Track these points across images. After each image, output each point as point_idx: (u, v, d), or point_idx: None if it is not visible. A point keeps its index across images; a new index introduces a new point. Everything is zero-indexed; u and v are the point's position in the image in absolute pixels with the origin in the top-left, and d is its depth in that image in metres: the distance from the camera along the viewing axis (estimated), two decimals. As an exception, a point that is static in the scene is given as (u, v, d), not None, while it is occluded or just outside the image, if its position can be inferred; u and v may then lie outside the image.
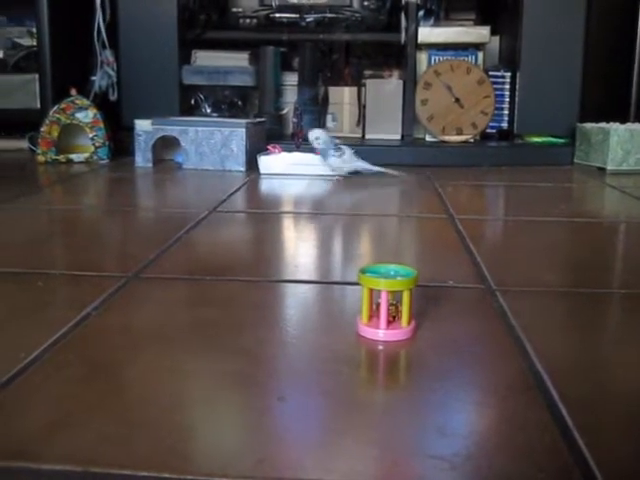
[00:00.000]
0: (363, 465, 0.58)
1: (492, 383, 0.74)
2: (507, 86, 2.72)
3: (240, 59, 2.77)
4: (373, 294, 0.87)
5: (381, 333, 0.84)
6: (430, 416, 0.66)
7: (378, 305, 0.86)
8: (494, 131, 2.75)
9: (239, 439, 0.63)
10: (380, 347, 0.83)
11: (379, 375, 0.79)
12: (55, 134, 2.42)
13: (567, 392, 0.70)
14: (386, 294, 0.84)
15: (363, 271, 0.88)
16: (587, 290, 1.08)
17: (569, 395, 0.69)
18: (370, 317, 0.87)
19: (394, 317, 0.87)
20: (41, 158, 2.42)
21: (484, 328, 0.90)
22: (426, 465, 0.58)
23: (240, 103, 2.84)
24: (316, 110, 2.74)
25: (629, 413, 0.68)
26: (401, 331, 0.85)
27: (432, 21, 2.81)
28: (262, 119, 2.58)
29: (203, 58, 2.76)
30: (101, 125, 2.46)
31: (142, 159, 2.37)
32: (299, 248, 1.38)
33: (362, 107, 2.79)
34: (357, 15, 2.72)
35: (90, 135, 2.45)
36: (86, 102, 2.47)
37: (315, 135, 2.15)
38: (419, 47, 2.70)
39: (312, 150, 2.28)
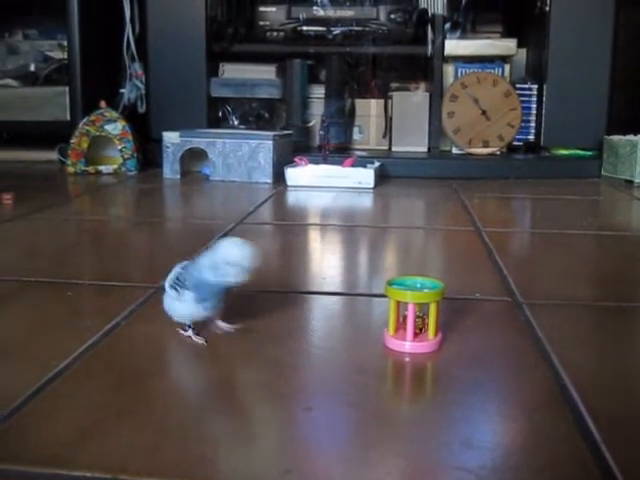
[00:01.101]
0: (390, 477, 0.58)
1: (518, 396, 0.74)
2: (534, 98, 2.71)
3: (267, 72, 2.79)
4: (400, 306, 0.87)
5: (408, 345, 0.85)
6: (456, 428, 0.66)
7: (405, 317, 0.86)
8: (521, 143, 2.74)
9: (266, 449, 0.63)
10: (407, 359, 0.84)
11: (405, 387, 0.79)
12: (84, 146, 2.45)
13: (595, 405, 0.70)
14: (413, 306, 0.85)
15: (390, 283, 0.88)
16: (614, 304, 1.07)
17: (597, 408, 0.69)
18: (397, 329, 0.87)
19: (421, 329, 0.87)
20: (70, 169, 2.45)
21: (511, 341, 0.90)
22: (452, 477, 0.58)
23: (267, 115, 2.85)
24: (343, 122, 2.75)
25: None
26: (428, 343, 0.85)
27: (458, 33, 2.81)
28: (289, 131, 2.59)
29: (230, 71, 2.78)
30: (130, 137, 2.48)
31: (170, 171, 2.39)
32: (326, 260, 1.38)
33: (389, 119, 2.80)
34: (384, 28, 2.73)
35: (119, 147, 2.48)
36: (115, 114, 2.50)
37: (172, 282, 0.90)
38: (445, 59, 2.71)
39: (339, 162, 2.29)
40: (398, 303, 0.87)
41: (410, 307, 0.85)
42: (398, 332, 0.87)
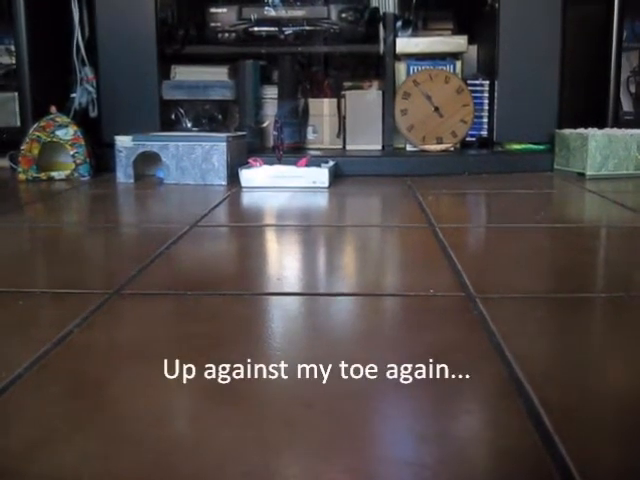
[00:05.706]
0: (345, 473, 0.58)
1: (473, 390, 0.74)
2: (486, 94, 2.74)
3: (219, 73, 2.78)
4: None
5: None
6: (410, 423, 0.67)
7: None
8: (474, 139, 2.77)
9: (222, 453, 0.63)
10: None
11: (361, 384, 0.79)
12: (36, 152, 2.41)
13: (547, 397, 0.71)
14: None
15: None
16: (568, 295, 1.08)
17: (549, 400, 0.70)
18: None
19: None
20: (22, 176, 2.41)
21: (464, 335, 0.90)
22: (405, 472, 0.58)
23: (220, 117, 2.84)
24: (296, 122, 2.75)
25: (610, 417, 0.68)
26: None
27: (410, 31, 2.83)
28: (243, 133, 2.58)
29: (183, 73, 2.77)
30: (82, 142, 2.45)
31: (123, 175, 2.37)
32: (282, 261, 1.38)
33: (342, 118, 2.80)
34: (335, 27, 2.73)
35: (71, 152, 2.45)
36: (66, 119, 2.47)
37: None
38: (397, 57, 2.72)
39: (293, 162, 2.28)
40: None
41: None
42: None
